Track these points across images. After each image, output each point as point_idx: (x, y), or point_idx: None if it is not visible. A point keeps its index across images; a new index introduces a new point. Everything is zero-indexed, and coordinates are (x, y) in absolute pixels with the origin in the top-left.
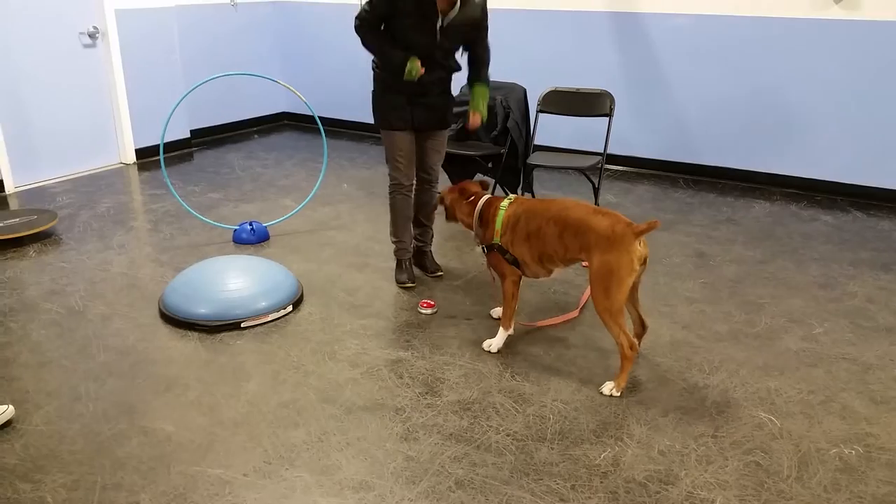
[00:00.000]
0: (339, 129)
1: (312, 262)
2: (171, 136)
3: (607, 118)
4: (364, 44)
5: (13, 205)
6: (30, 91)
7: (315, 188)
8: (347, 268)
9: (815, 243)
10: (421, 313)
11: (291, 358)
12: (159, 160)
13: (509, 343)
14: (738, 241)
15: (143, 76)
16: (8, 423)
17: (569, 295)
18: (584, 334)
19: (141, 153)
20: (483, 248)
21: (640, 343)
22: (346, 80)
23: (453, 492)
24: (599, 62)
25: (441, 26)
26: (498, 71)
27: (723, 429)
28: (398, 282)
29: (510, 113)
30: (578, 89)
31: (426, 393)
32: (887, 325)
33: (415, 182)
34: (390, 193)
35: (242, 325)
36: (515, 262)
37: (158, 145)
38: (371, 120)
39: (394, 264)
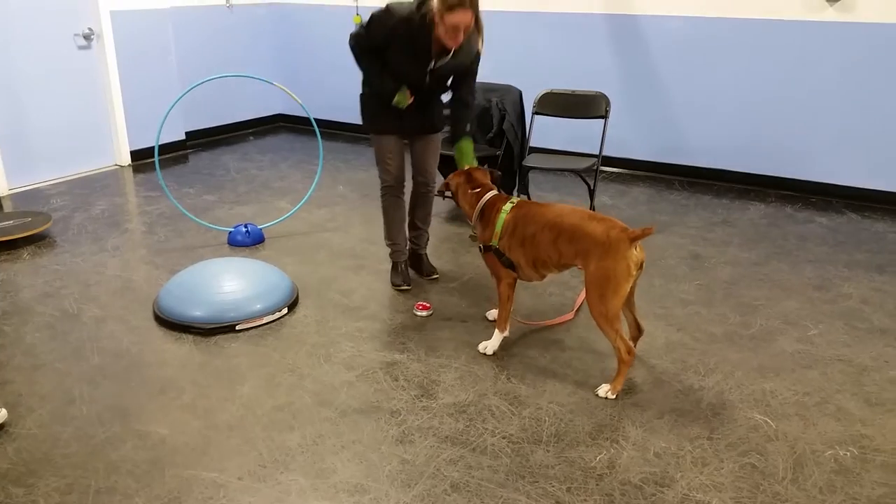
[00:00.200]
0: (334, 130)
1: (308, 265)
2: (166, 138)
3: (603, 120)
4: (357, 63)
5: (7, 207)
6: (24, 93)
7: (310, 190)
8: (343, 270)
9: (809, 245)
10: (416, 315)
11: (286, 361)
12: (154, 162)
13: (505, 345)
14: (733, 243)
15: (138, 78)
16: (1, 427)
17: (564, 297)
18: (580, 336)
19: (136, 155)
20: (480, 246)
21: (635, 346)
22: (341, 82)
23: (449, 495)
24: (595, 64)
25: (431, 68)
26: (494, 73)
27: (718, 431)
28: (394, 284)
29: (506, 115)
30: (574, 91)
31: (422, 395)
32: (882, 326)
33: (412, 185)
34: (382, 196)
35: (237, 327)
36: (511, 265)
37: (153, 147)
38: None
39: (389, 266)
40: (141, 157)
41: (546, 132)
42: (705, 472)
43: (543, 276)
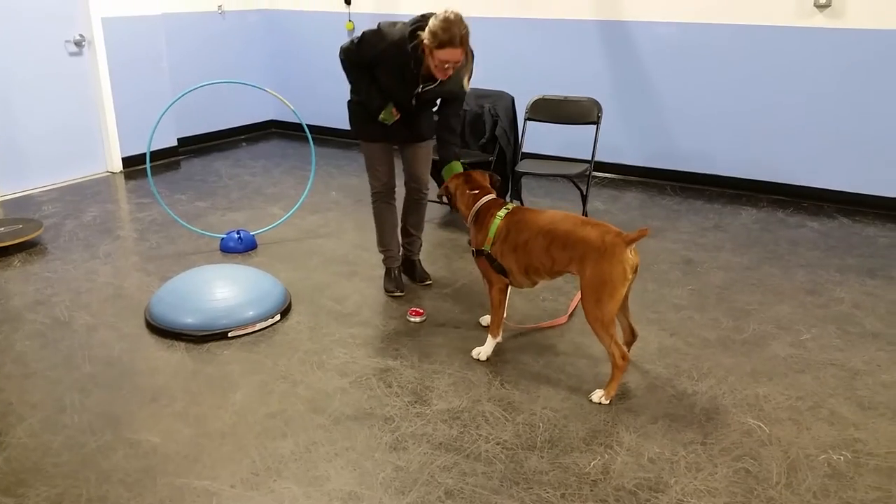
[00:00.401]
0: (326, 136)
1: (300, 271)
2: (158, 145)
3: (595, 126)
4: (346, 76)
5: None
6: (15, 99)
7: (303, 196)
8: (336, 276)
9: (801, 249)
10: (410, 322)
11: (279, 368)
12: (146, 169)
13: (498, 351)
14: (725, 248)
15: (130, 84)
16: None
17: (558, 302)
18: (573, 341)
19: (127, 162)
20: (473, 251)
21: (629, 351)
22: (333, 88)
23: (443, 501)
24: (587, 70)
25: (418, 92)
26: (486, 79)
27: (712, 435)
28: (387, 290)
29: (498, 121)
30: (566, 97)
31: (415, 402)
32: (874, 330)
33: (404, 192)
34: (373, 202)
35: (229, 334)
36: (503, 271)
37: (145, 154)
38: None
39: (382, 272)
40: (133, 164)
41: (538, 138)
42: (699, 477)
43: (535, 283)
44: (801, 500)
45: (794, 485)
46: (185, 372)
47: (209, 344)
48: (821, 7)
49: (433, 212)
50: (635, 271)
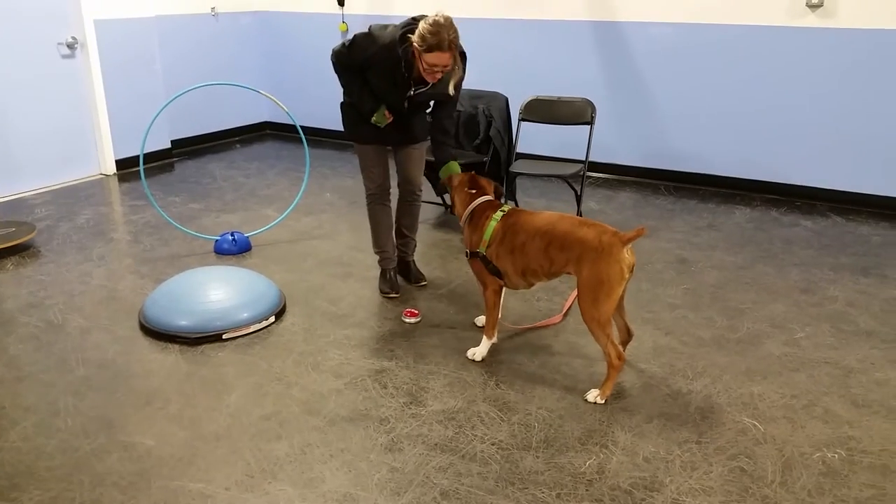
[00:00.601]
0: (321, 138)
1: (295, 273)
2: (152, 147)
3: (589, 126)
4: (338, 78)
5: None
6: (7, 102)
7: (297, 198)
8: (330, 277)
9: (795, 248)
10: (405, 322)
11: (274, 369)
12: (139, 171)
13: (493, 351)
14: (719, 247)
15: (123, 86)
16: None
17: (553, 302)
18: (568, 341)
19: (121, 164)
20: (467, 252)
21: (624, 350)
22: (327, 90)
23: (438, 502)
24: (581, 71)
25: (410, 95)
26: (480, 80)
27: (707, 434)
28: (382, 291)
29: (492, 121)
30: (560, 98)
31: (410, 403)
32: (868, 328)
33: (398, 193)
34: (367, 204)
35: (224, 336)
36: (497, 272)
37: (139, 156)
38: None
39: (377, 274)
40: (126, 166)
41: (533, 138)
42: (694, 476)
43: (531, 285)
44: (796, 498)
45: (788, 483)
46: (179, 374)
47: (203, 346)
48: (813, 7)
49: (427, 213)
50: (631, 271)
